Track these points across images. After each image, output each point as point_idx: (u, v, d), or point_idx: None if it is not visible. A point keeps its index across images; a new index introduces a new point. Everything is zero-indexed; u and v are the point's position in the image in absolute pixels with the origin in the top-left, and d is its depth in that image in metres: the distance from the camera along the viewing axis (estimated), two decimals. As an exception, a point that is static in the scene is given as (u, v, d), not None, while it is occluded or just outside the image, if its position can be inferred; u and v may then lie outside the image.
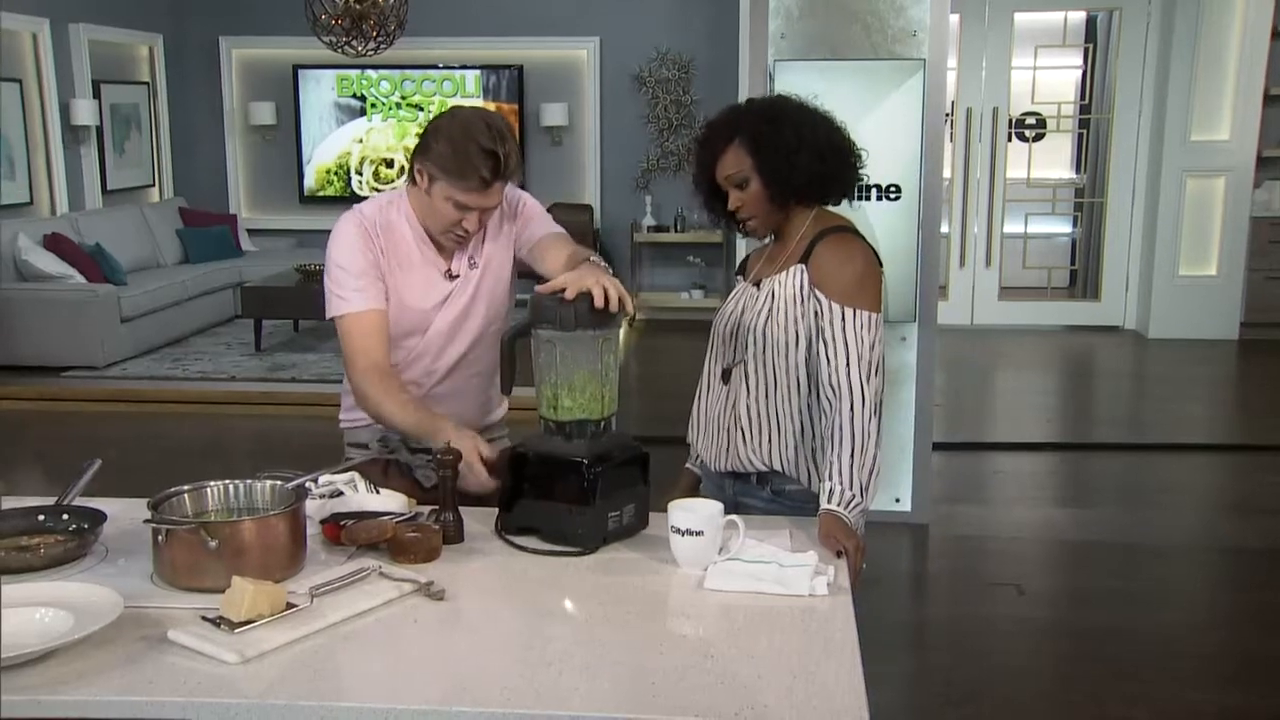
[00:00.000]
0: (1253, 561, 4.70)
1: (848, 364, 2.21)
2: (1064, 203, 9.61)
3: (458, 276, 2.48)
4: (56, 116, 8.29)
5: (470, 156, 2.28)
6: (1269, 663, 3.78)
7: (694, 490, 2.47)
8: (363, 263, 2.40)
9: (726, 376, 2.38)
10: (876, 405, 2.21)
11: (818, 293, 2.26)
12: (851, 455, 2.16)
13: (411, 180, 2.42)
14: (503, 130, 2.32)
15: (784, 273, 2.31)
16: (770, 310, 2.30)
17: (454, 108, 2.43)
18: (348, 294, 2.39)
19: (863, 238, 2.35)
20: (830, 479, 2.16)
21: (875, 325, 2.24)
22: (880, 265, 2.33)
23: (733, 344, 2.38)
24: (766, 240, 2.47)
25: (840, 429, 2.18)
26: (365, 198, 2.59)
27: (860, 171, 2.37)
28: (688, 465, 2.55)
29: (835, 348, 2.22)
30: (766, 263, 2.41)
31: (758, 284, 2.37)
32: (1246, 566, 4.67)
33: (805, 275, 2.28)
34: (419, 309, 2.46)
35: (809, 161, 2.27)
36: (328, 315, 2.44)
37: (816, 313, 2.25)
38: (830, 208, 2.39)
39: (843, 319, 2.23)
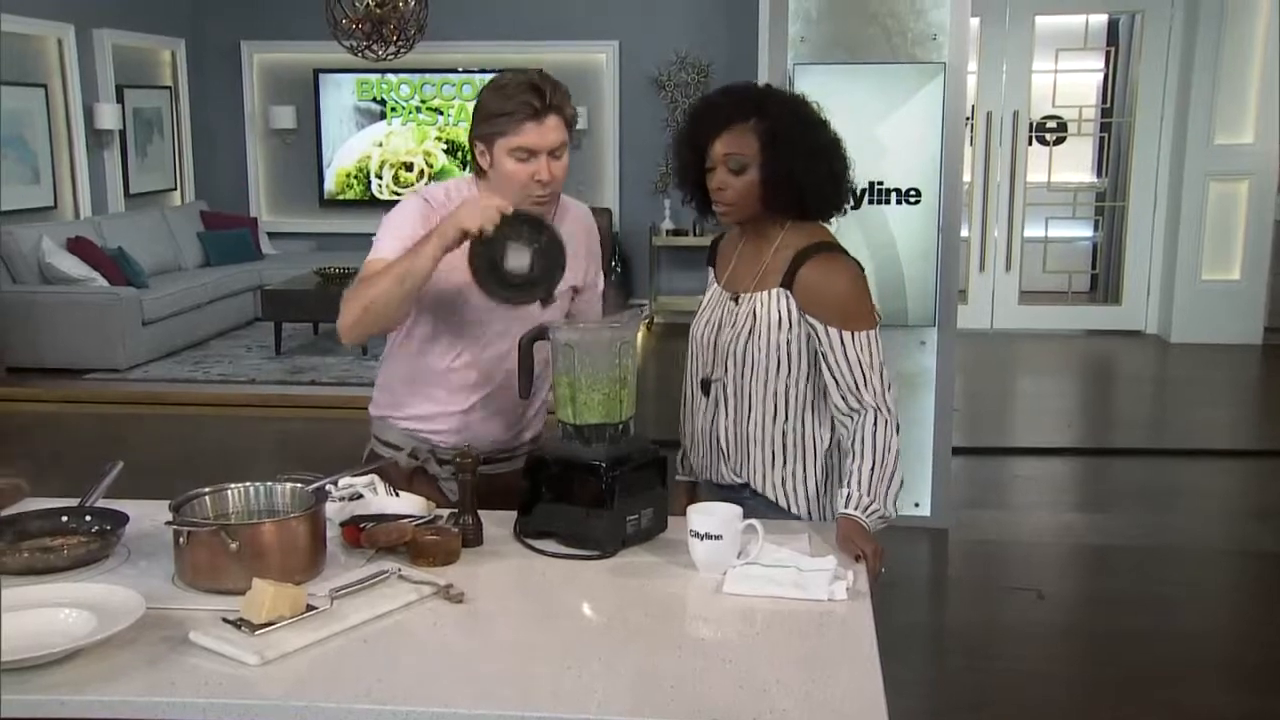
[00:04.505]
0: (1274, 567, 4.66)
1: (858, 385, 2.20)
2: (1085, 206, 9.56)
3: None
4: (80, 121, 8.36)
5: (516, 92, 2.27)
6: (1292, 670, 3.76)
7: (692, 500, 2.40)
8: (412, 230, 2.31)
9: (706, 388, 2.35)
10: (895, 416, 2.20)
11: (809, 318, 2.23)
12: (872, 468, 2.15)
13: (478, 174, 2.38)
14: (545, 74, 2.32)
15: (766, 293, 2.27)
16: (751, 330, 2.27)
17: None
18: (382, 246, 2.32)
19: (842, 249, 2.30)
20: (849, 485, 2.15)
21: (875, 341, 2.23)
22: (863, 272, 2.30)
23: (711, 356, 2.34)
24: (734, 230, 2.39)
25: (861, 443, 2.18)
26: (385, 201, 2.54)
27: (845, 203, 2.33)
28: (679, 477, 2.50)
29: (841, 371, 2.21)
30: (742, 266, 2.34)
31: (736, 298, 2.32)
32: (1268, 572, 4.64)
33: (791, 300, 2.24)
34: (465, 282, 2.32)
35: (813, 181, 2.23)
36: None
37: (811, 336, 2.23)
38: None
39: (843, 343, 2.21)
